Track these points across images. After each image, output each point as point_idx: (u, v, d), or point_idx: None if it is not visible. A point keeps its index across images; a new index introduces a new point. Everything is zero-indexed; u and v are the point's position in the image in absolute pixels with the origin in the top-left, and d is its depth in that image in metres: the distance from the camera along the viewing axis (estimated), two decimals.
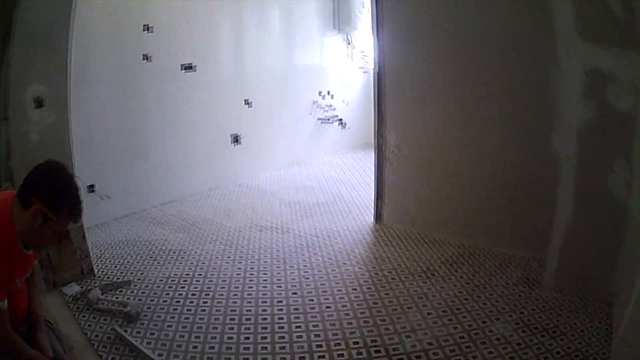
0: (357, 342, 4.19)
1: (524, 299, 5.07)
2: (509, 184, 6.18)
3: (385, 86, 6.88)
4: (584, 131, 4.85)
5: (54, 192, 2.62)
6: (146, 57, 7.14)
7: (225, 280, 5.26)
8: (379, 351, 4.08)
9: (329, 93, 11.57)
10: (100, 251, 5.91)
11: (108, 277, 5.23)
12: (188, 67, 7.82)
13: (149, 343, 4.04)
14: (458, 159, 6.50)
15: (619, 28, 4.47)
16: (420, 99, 6.65)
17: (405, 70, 6.72)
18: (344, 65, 11.99)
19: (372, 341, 4.22)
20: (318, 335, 4.27)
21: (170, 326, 4.30)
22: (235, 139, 8.95)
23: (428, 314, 4.72)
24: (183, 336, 4.15)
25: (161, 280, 5.18)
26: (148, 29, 7.13)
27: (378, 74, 6.88)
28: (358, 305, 4.85)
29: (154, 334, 4.18)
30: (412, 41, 6.61)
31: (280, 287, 5.17)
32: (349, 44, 11.99)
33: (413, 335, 4.34)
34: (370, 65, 12.11)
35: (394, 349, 4.12)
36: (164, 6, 7.41)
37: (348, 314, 4.66)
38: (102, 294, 4.74)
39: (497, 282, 5.46)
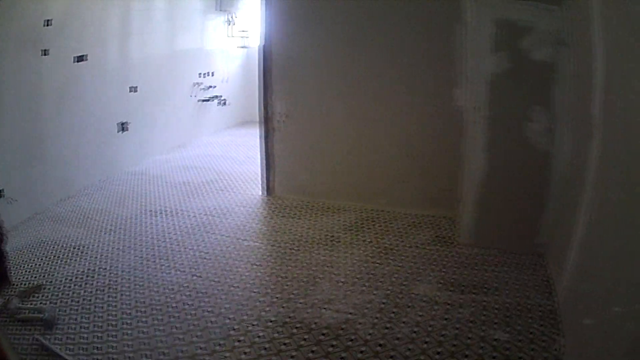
0: (273, 320, 4.18)
1: (442, 258, 5.17)
2: (409, 143, 6.27)
3: (272, 57, 6.81)
4: (495, 82, 4.92)
5: None
6: (45, 52, 6.86)
7: (128, 271, 5.16)
8: (298, 327, 4.07)
9: (210, 74, 11.70)
10: (13, 257, 5.56)
11: (23, 284, 5.02)
12: (80, 59, 7.56)
13: (71, 349, 3.88)
14: (351, 122, 6.53)
15: None
16: (309, 65, 6.67)
17: (293, 38, 6.71)
18: (225, 44, 12.22)
19: (288, 317, 4.22)
20: (230, 318, 4.24)
21: (86, 327, 4.17)
22: (122, 127, 8.78)
23: (341, 282, 4.77)
24: (100, 337, 4.03)
25: (68, 279, 5.04)
26: (48, 23, 6.84)
27: (265, 46, 6.84)
28: (265, 281, 4.89)
29: (72, 338, 4.03)
30: (301, 9, 6.58)
31: (184, 271, 5.13)
32: (230, 23, 12.16)
33: (330, 306, 4.37)
34: (251, 42, 12.37)
35: (314, 323, 4.12)
36: None
37: (257, 292, 4.68)
38: (20, 302, 4.55)
39: (408, 243, 5.53)
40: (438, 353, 3.72)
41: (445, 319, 4.08)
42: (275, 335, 3.97)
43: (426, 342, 3.83)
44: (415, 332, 3.95)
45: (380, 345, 3.82)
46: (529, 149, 4.98)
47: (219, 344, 3.88)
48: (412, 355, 3.71)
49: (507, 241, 5.30)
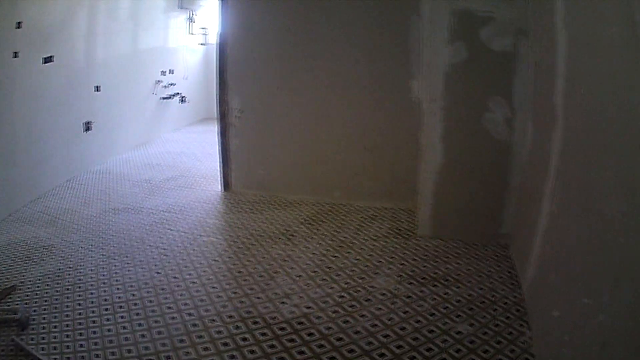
0: (231, 316, 4.30)
1: (400, 250, 5.27)
2: (366, 135, 6.36)
3: (228, 53, 6.91)
4: (453, 72, 4.95)
5: None
6: (15, 54, 6.95)
7: (93, 270, 5.28)
8: (256, 322, 4.18)
9: (171, 72, 11.87)
10: None
11: None
12: (47, 60, 7.65)
13: (43, 349, 3.97)
14: (306, 116, 6.65)
15: None
16: (265, 60, 6.77)
17: (249, 33, 6.82)
18: (185, 41, 12.44)
19: (246, 312, 4.34)
20: (190, 314, 4.36)
21: (56, 327, 4.28)
22: (87, 126, 8.89)
23: (298, 276, 4.91)
24: (69, 336, 4.14)
25: (39, 279, 5.16)
26: (19, 26, 6.92)
27: (221, 42, 6.94)
28: (223, 276, 5.03)
29: (44, 338, 4.12)
30: (257, 5, 6.68)
31: (144, 268, 5.28)
32: (191, 20, 12.36)
33: (288, 300, 4.48)
34: (211, 39, 12.63)
35: (272, 318, 4.22)
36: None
37: (215, 287, 4.82)
38: None
39: (365, 236, 5.67)
40: (399, 347, 3.78)
41: (405, 312, 4.15)
42: (235, 330, 4.07)
43: (386, 336, 3.91)
44: (374, 325, 4.02)
45: (339, 339, 3.90)
46: (489, 139, 5.05)
47: (181, 340, 3.98)
48: (372, 349, 3.78)
49: (468, 233, 5.37)
